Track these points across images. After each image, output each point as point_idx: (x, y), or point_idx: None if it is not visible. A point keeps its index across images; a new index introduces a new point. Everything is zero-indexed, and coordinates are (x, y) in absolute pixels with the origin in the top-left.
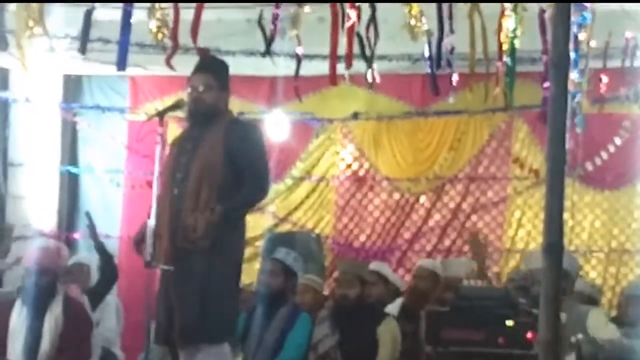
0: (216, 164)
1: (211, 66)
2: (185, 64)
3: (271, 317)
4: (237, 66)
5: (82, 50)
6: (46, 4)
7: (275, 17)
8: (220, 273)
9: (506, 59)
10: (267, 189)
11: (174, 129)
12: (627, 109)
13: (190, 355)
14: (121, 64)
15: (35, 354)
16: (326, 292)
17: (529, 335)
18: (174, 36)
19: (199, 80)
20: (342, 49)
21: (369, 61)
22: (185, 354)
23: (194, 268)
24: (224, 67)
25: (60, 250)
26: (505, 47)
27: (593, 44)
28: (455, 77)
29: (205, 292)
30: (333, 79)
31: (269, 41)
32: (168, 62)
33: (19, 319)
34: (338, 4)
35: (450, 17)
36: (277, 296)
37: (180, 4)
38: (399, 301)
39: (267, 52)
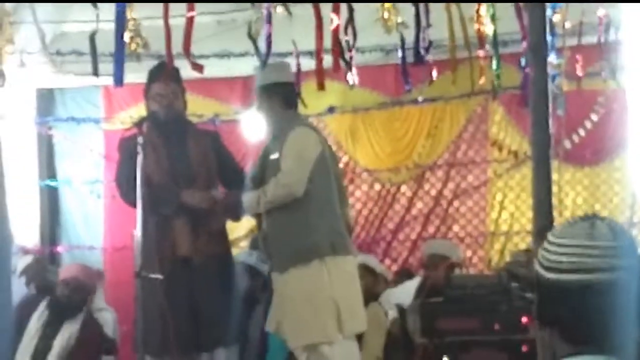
0: (214, 169)
1: (175, 74)
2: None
3: (249, 318)
4: (211, 68)
5: (95, 71)
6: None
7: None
8: (230, 276)
9: (488, 45)
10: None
11: None
12: (601, 85)
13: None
14: (118, 80)
15: None
16: None
17: (525, 319)
18: (168, 48)
19: (168, 89)
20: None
21: (347, 63)
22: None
23: (208, 274)
24: (179, 74)
25: (100, 274)
26: (487, 32)
27: (568, 24)
28: (434, 73)
29: (223, 296)
30: (321, 84)
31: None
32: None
33: (38, 322)
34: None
35: (427, 10)
36: (248, 297)
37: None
38: (415, 283)
39: (264, 60)
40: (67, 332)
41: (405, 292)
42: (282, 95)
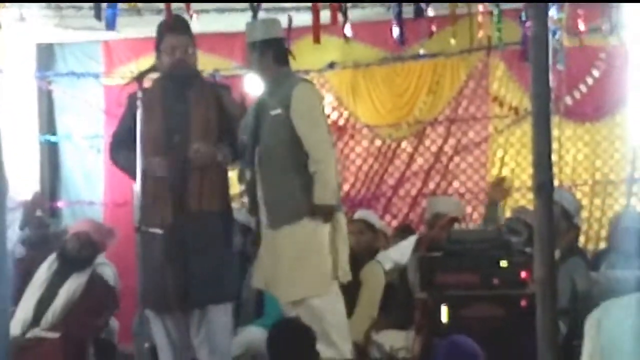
0: (214, 124)
1: (186, 27)
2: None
3: (244, 276)
4: (211, 23)
5: (97, 16)
6: None
7: None
8: (228, 233)
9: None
10: None
11: None
12: (602, 41)
13: (201, 317)
14: (111, 24)
15: (45, 311)
16: None
17: (524, 274)
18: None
19: (181, 42)
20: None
21: (344, 15)
22: (194, 315)
23: (206, 230)
24: (189, 26)
25: (111, 232)
26: None
27: None
28: (433, 27)
29: (218, 253)
30: (317, 36)
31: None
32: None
33: (47, 272)
34: None
35: None
36: (240, 254)
37: None
38: (413, 239)
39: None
40: (74, 284)
41: (401, 252)
42: (274, 52)
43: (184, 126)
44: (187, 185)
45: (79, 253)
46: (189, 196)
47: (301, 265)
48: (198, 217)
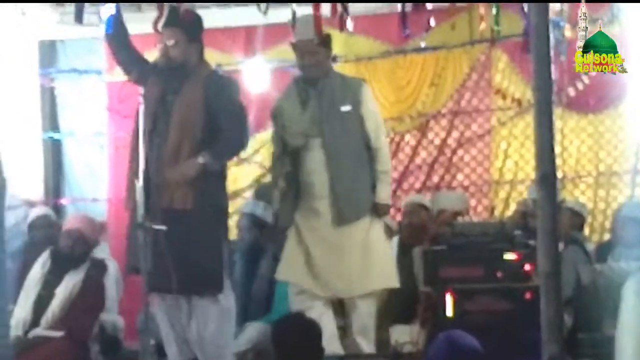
0: (195, 120)
1: (179, 20)
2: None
3: (252, 270)
4: (213, 18)
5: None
6: None
7: None
8: (206, 229)
9: None
10: (246, 141)
11: None
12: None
13: (193, 306)
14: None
15: (44, 310)
16: None
17: (527, 267)
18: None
19: (166, 35)
20: None
21: (345, 8)
22: (187, 303)
23: (180, 227)
24: (194, 20)
25: (103, 226)
26: None
27: None
28: (432, 21)
29: (192, 250)
30: (319, 27)
31: None
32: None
33: (41, 270)
34: None
35: None
36: (254, 249)
37: None
38: (395, 239)
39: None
40: (70, 282)
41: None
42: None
43: (166, 121)
44: (162, 183)
45: (72, 250)
46: (162, 194)
47: (373, 257)
48: (173, 215)
